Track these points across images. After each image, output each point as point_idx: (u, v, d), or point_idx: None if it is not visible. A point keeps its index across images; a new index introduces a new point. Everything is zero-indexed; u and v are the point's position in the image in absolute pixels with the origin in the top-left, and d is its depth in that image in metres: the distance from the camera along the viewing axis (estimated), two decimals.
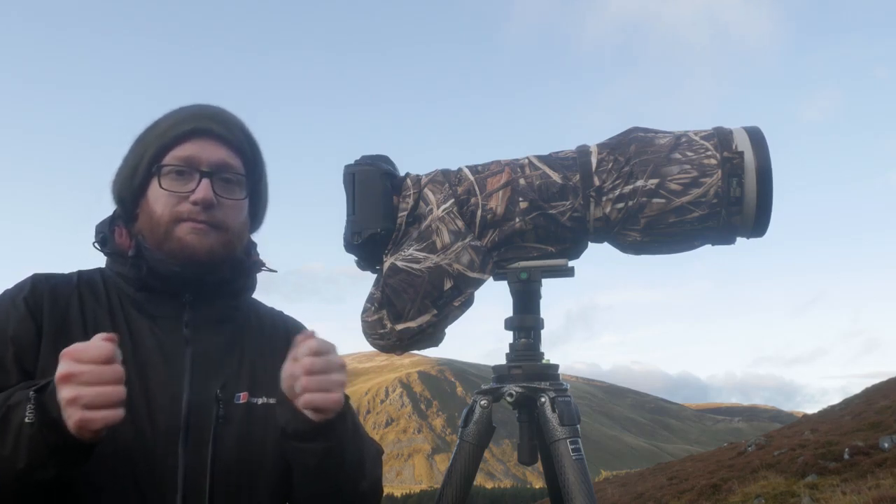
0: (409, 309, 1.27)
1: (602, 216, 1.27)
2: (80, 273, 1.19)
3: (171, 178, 1.14)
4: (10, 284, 1.14)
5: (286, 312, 1.35)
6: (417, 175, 1.35)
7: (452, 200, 1.30)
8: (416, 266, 1.27)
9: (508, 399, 1.29)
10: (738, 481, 11.81)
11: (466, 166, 1.36)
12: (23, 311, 1.08)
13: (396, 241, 1.30)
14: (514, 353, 1.34)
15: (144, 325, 1.14)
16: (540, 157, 1.31)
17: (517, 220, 1.29)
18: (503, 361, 1.35)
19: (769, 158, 1.21)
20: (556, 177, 1.28)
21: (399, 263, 1.28)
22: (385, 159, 1.35)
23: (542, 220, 1.29)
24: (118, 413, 0.90)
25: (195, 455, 1.07)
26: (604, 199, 1.26)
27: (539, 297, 1.35)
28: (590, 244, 1.35)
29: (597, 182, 1.26)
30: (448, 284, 1.27)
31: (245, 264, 1.22)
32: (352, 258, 1.36)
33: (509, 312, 1.36)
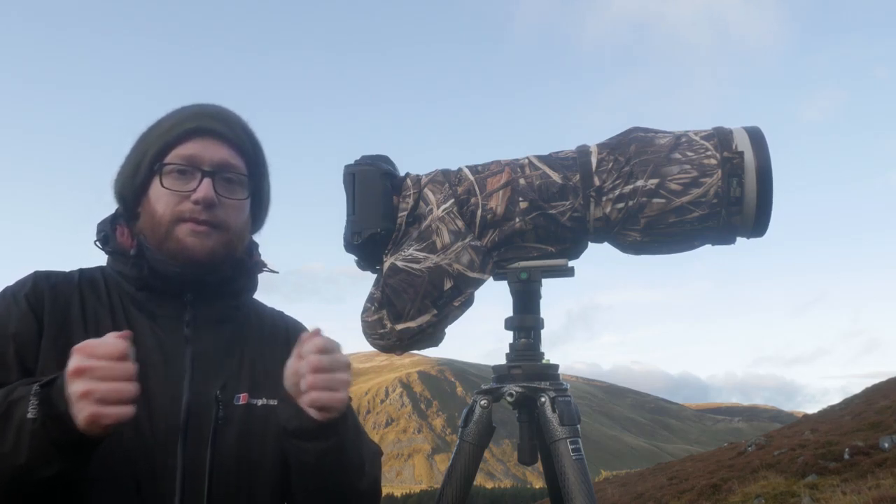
0: (409, 309, 1.27)
1: (602, 216, 1.27)
2: (81, 271, 1.19)
3: (172, 176, 1.14)
4: (11, 282, 1.14)
5: (286, 312, 1.36)
6: (417, 175, 1.35)
7: (452, 200, 1.30)
8: (416, 266, 1.27)
9: (508, 399, 1.29)
10: (738, 481, 11.80)
11: (466, 166, 1.36)
12: (24, 308, 1.08)
13: (396, 241, 1.30)
14: (515, 353, 1.34)
15: (145, 325, 1.13)
16: (540, 157, 1.31)
17: (517, 220, 1.29)
18: (503, 361, 1.35)
19: (769, 158, 1.21)
20: (556, 177, 1.28)
21: (399, 263, 1.28)
22: (385, 159, 1.35)
23: (542, 220, 1.29)
24: (129, 410, 0.90)
25: (194, 456, 1.07)
26: (604, 199, 1.26)
27: (539, 297, 1.34)
28: (590, 244, 1.35)
29: (597, 182, 1.26)
30: (448, 284, 1.27)
31: (246, 264, 1.22)
32: (352, 258, 1.36)
33: (509, 312, 1.36)
